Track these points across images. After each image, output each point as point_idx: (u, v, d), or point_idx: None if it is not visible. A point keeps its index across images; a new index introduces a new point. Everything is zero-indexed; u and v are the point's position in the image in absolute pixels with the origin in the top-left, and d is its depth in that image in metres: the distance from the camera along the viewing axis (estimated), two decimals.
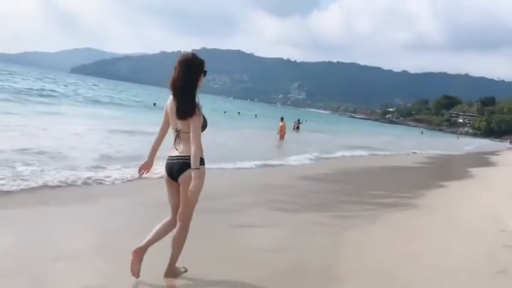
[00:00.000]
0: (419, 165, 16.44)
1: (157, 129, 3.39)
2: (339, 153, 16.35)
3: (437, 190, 9.47)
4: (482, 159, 24.00)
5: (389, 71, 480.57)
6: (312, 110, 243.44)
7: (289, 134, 25.23)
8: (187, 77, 3.17)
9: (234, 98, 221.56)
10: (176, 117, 3.18)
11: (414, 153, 22.39)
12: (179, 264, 3.33)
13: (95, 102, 33.32)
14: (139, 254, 3.20)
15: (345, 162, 13.74)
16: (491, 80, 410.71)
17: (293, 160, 12.18)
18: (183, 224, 3.25)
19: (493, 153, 34.48)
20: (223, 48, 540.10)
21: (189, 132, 3.13)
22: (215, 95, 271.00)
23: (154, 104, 38.19)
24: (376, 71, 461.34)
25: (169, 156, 3.25)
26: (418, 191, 8.96)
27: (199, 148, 3.13)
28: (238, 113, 55.07)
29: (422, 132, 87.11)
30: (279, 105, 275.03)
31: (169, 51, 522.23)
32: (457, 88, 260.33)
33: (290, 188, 7.80)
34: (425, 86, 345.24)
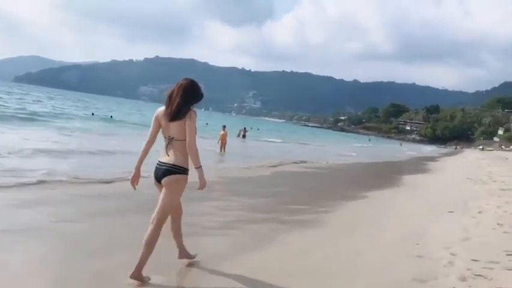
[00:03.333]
0: (350, 174, 16.25)
1: None
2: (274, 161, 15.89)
3: (357, 202, 8.94)
4: (419, 166, 24.22)
5: (341, 81, 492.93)
6: (267, 118, 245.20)
7: (235, 142, 24.87)
8: (185, 99, 3.43)
9: None
10: (170, 119, 3.39)
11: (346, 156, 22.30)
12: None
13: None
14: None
15: (272, 171, 13.25)
16: (436, 89, 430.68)
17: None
18: (157, 224, 3.44)
19: (432, 159, 35.39)
20: (177, 57, 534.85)
21: (181, 140, 3.39)
22: None
23: (111, 116, 37.11)
24: (328, 80, 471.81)
25: (159, 162, 3.49)
26: (339, 202, 8.45)
27: (196, 147, 3.41)
28: None
29: (369, 140, 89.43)
30: (234, 114, 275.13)
31: (121, 59, 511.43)
32: (404, 97, 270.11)
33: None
34: (375, 94, 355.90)
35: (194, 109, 3.47)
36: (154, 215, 3.46)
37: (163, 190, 3.46)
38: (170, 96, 3.46)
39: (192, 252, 4.00)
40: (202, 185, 3.46)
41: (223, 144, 20.07)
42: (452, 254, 4.73)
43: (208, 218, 6.17)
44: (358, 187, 11.16)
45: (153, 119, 3.54)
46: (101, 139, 18.21)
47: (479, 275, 4.05)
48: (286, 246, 5.02)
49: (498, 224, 6.55)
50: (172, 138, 3.42)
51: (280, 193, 9.58)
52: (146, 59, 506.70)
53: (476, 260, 4.50)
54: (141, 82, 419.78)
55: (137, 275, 3.37)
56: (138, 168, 3.60)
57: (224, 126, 21.39)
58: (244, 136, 33.61)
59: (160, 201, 3.46)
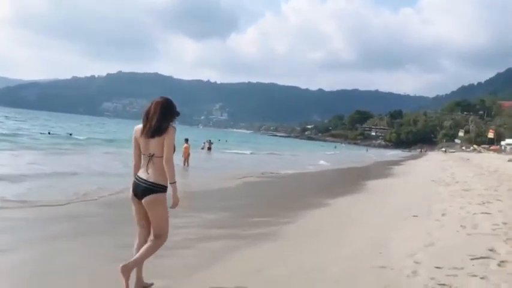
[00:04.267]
0: (316, 182, 16.12)
1: None
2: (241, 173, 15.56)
3: (320, 210, 8.69)
4: (383, 170, 24.43)
5: (307, 90, 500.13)
6: (235, 130, 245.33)
7: (200, 155, 24.61)
8: (163, 116, 3.45)
9: None
10: (150, 135, 3.42)
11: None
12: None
13: None
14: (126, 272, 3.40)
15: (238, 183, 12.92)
16: (398, 95, 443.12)
17: None
18: (162, 239, 3.58)
19: (397, 163, 35.98)
20: (141, 71, 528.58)
21: (161, 157, 3.41)
22: (133, 119, 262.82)
23: (70, 134, 35.71)
24: (294, 90, 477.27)
25: (138, 177, 3.51)
26: (301, 212, 8.17)
27: (173, 162, 3.46)
28: None
29: (335, 147, 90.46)
30: (201, 127, 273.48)
31: (82, 76, 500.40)
32: (368, 103, 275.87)
33: None
34: (340, 102, 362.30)
35: (173, 125, 3.50)
36: (151, 236, 3.56)
37: (148, 211, 3.50)
38: (147, 114, 3.48)
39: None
40: (175, 202, 3.50)
41: (186, 158, 19.56)
42: (416, 262, 4.49)
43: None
44: (322, 195, 10.93)
45: (132, 139, 3.58)
46: (56, 159, 17.34)
47: (443, 284, 3.80)
48: (240, 264, 4.65)
49: (461, 226, 6.41)
50: (153, 155, 3.45)
51: (243, 206, 9.23)
52: (109, 75, 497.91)
53: (440, 267, 4.27)
54: (104, 98, 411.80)
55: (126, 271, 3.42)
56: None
57: (187, 140, 20.86)
58: (209, 148, 33.13)
59: (152, 222, 3.54)
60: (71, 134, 36.15)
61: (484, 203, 8.84)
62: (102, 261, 4.55)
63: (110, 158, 19.28)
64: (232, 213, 8.18)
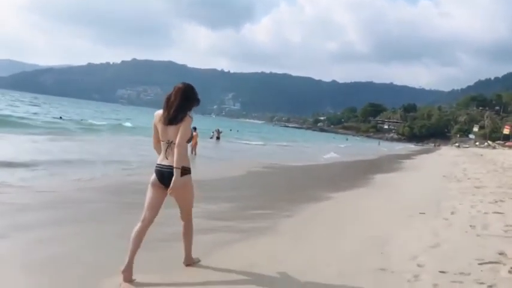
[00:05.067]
0: (323, 174, 15.79)
1: None
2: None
3: (322, 204, 8.35)
4: (393, 164, 23.91)
5: (320, 81, 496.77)
6: (247, 120, 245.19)
7: (208, 144, 24.51)
8: (183, 104, 3.52)
9: None
10: (167, 123, 3.49)
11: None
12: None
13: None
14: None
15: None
16: (413, 88, 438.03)
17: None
18: (188, 220, 3.86)
19: (408, 157, 35.34)
20: (155, 59, 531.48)
21: None
22: (147, 106, 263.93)
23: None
24: (307, 81, 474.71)
25: (159, 164, 3.59)
26: (303, 205, 7.88)
27: (185, 148, 3.53)
28: None
29: (347, 139, 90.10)
30: (214, 116, 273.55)
31: (97, 62, 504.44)
32: (382, 96, 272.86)
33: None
34: (353, 94, 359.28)
35: (190, 115, 3.58)
36: (183, 221, 3.85)
37: (175, 194, 3.54)
38: (168, 100, 3.54)
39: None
40: (173, 187, 3.45)
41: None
42: (419, 266, 4.17)
43: (159, 229, 5.51)
44: (326, 188, 10.59)
45: (152, 124, 3.65)
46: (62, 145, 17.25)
47: None
48: (234, 258, 4.36)
49: (471, 225, 6.06)
50: (171, 142, 3.51)
51: (245, 197, 8.96)
52: (123, 62, 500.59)
53: (445, 272, 3.95)
54: (118, 85, 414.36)
55: (189, 259, 4.00)
56: None
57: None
58: (218, 138, 32.90)
59: (179, 204, 3.74)
60: (81, 120, 36.12)
61: (496, 202, 8.45)
62: (94, 248, 4.33)
63: (118, 145, 19.19)
64: (234, 204, 7.93)
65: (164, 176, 3.53)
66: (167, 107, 3.51)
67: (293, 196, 9.20)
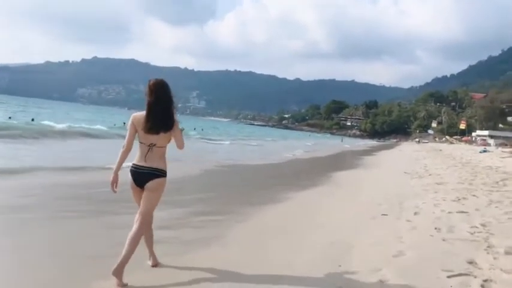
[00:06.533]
0: (283, 172, 15.29)
1: None
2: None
3: (277, 206, 7.74)
4: (354, 161, 23.70)
5: (284, 79, 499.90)
6: (212, 118, 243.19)
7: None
8: (165, 98, 3.51)
9: (128, 109, 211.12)
10: (154, 132, 3.44)
11: None
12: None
13: None
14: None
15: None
16: (374, 86, 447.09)
17: None
18: (143, 221, 3.59)
19: (369, 153, 35.52)
20: (117, 57, 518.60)
21: (162, 147, 3.55)
22: (109, 106, 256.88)
23: (32, 119, 33.43)
24: (271, 79, 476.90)
25: (136, 165, 3.54)
26: (258, 207, 7.27)
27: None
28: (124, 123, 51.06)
29: (309, 135, 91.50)
30: (178, 114, 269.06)
31: (56, 61, 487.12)
32: (345, 94, 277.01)
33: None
34: (317, 92, 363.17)
35: (177, 119, 3.59)
36: (138, 216, 3.60)
37: (147, 193, 3.55)
38: (151, 104, 3.46)
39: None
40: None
41: None
42: (381, 281, 3.64)
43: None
44: (284, 187, 10.04)
45: (129, 125, 3.54)
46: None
47: None
48: (175, 273, 3.69)
49: (436, 228, 5.63)
50: (154, 145, 3.48)
51: (198, 200, 8.25)
52: (83, 60, 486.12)
53: None
54: (78, 84, 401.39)
55: (119, 272, 3.33)
56: (116, 173, 3.59)
57: None
58: None
59: (145, 203, 3.58)
60: (32, 119, 33.93)
61: (459, 199, 8.16)
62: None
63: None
64: (184, 210, 7.21)
65: (140, 177, 3.51)
66: (152, 113, 3.43)
67: (249, 197, 8.60)
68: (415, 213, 6.78)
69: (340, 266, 4.10)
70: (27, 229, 5.20)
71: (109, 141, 21.90)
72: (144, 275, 3.76)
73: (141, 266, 3.87)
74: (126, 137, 3.56)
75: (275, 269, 4.06)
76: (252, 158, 20.34)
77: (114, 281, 3.38)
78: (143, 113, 3.49)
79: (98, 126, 32.80)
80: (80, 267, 3.92)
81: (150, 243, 3.89)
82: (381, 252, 4.54)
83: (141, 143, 3.52)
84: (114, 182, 3.59)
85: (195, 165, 14.62)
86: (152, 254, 3.94)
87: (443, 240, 5.01)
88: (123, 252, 3.40)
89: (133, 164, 3.55)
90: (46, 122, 30.82)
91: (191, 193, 9.19)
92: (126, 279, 3.45)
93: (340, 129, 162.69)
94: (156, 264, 3.94)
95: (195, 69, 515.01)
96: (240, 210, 7.10)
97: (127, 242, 3.45)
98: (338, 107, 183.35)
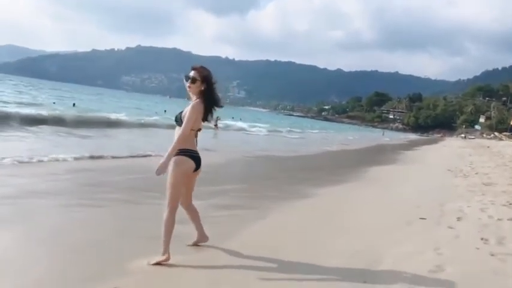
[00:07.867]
0: (316, 164, 14.58)
1: None
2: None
3: (302, 203, 7.05)
4: (393, 155, 22.52)
5: (325, 70, 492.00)
6: (251, 108, 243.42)
7: (205, 133, 23.30)
8: (212, 88, 3.76)
9: (170, 97, 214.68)
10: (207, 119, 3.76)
11: None
12: None
13: None
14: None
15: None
16: (419, 78, 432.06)
17: None
18: (166, 208, 3.74)
19: (411, 147, 33.94)
20: (159, 46, 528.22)
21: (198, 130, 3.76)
22: (151, 94, 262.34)
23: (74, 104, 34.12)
24: (312, 70, 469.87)
25: (195, 151, 3.73)
26: (279, 203, 6.68)
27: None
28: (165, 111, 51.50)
29: (350, 128, 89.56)
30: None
31: (102, 49, 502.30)
32: (387, 86, 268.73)
33: None
34: (358, 83, 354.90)
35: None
36: (191, 201, 4.09)
37: (195, 178, 3.86)
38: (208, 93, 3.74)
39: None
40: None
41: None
42: None
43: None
44: (312, 181, 9.38)
45: (194, 115, 3.62)
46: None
47: None
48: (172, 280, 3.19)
49: (482, 238, 4.86)
50: (200, 130, 3.77)
51: (222, 193, 7.77)
52: (128, 48, 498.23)
53: None
54: (122, 72, 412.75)
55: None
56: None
57: None
58: (216, 126, 31.64)
59: (193, 187, 3.94)
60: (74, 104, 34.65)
61: (510, 204, 7.23)
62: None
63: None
64: (204, 202, 6.73)
65: (199, 162, 3.73)
66: (207, 103, 3.67)
67: (271, 191, 8.02)
68: (458, 219, 5.98)
69: (365, 282, 3.46)
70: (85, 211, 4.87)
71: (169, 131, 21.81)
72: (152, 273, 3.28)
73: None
74: (190, 125, 3.61)
75: (283, 284, 3.47)
76: (284, 148, 19.74)
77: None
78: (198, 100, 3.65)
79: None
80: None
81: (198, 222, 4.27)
82: (415, 267, 3.84)
83: (193, 130, 3.68)
84: (164, 166, 3.63)
85: (226, 155, 14.20)
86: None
87: (492, 255, 4.25)
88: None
89: (191, 149, 3.67)
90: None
91: (215, 184, 8.73)
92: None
93: (381, 122, 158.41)
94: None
95: (236, 59, 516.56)
96: (262, 205, 6.55)
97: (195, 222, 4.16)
98: (380, 100, 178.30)
